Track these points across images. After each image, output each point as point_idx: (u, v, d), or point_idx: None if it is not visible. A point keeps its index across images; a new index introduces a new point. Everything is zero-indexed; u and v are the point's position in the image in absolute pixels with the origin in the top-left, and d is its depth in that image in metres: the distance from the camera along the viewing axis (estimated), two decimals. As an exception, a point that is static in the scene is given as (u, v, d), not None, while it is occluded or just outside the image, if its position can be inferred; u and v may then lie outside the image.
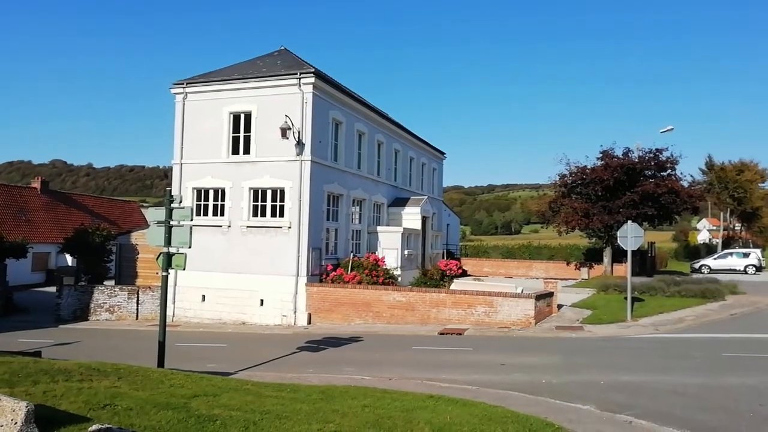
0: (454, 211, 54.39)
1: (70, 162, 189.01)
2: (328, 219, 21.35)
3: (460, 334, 16.49)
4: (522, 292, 18.47)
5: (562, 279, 30.68)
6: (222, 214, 20.86)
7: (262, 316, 19.70)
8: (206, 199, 21.29)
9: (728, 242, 67.87)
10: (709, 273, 37.18)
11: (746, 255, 43.33)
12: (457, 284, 20.37)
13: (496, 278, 31.87)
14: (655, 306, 20.32)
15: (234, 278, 20.01)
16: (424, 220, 27.45)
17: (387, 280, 20.62)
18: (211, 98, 21.30)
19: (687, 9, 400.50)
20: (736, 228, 77.08)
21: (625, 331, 16.25)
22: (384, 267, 21.27)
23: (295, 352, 13.68)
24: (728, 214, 69.29)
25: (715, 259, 43.73)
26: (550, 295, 19.57)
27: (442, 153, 35.69)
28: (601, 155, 31.31)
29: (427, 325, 17.96)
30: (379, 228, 24.55)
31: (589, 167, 31.29)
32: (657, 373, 10.74)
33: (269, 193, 20.32)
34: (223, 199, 20.93)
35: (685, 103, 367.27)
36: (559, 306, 20.29)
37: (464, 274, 30.16)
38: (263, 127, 20.28)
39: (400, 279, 22.15)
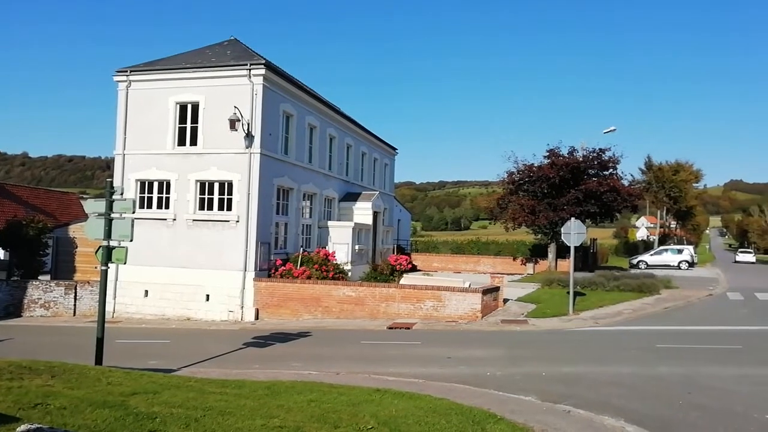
0: (405, 207, 54.74)
1: (3, 150, 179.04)
2: (277, 213, 21.07)
3: (408, 328, 16.63)
4: (469, 286, 18.79)
5: (508, 274, 31.40)
6: (167, 207, 20.25)
7: (208, 311, 19.27)
8: (150, 191, 20.61)
9: (664, 239, 71.24)
10: (646, 268, 38.92)
11: (680, 251, 45.63)
12: (406, 279, 20.52)
13: (445, 273, 32.30)
14: (596, 300, 21.09)
15: (179, 273, 19.47)
16: (375, 215, 27.50)
17: (337, 275, 20.56)
18: (157, 87, 20.61)
19: (636, 7, 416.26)
20: (671, 226, 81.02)
21: (567, 325, 16.79)
22: (334, 262, 21.19)
23: (241, 348, 13.46)
24: (664, 212, 72.75)
25: (651, 255, 45.83)
26: (497, 289, 19.99)
27: (394, 148, 35.83)
28: (547, 154, 32.21)
29: (377, 320, 18.02)
30: (329, 223, 24.43)
31: (536, 165, 32.15)
32: (595, 364, 11.15)
33: (217, 186, 19.87)
34: (168, 192, 20.31)
35: (628, 103, 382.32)
36: (505, 300, 20.76)
37: (414, 269, 30.44)
38: (211, 119, 19.79)
39: (350, 274, 22.12)
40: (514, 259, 37.69)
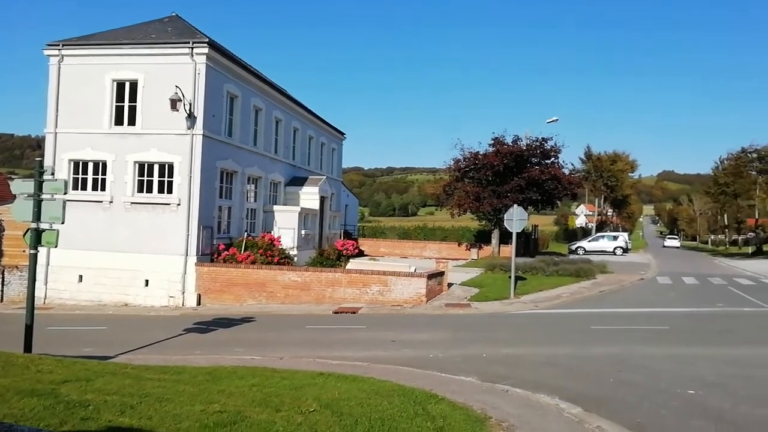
0: (353, 192, 54.64)
1: None
2: (221, 197, 20.57)
3: (354, 312, 16.69)
4: (415, 271, 19.01)
5: (453, 259, 31.97)
6: (103, 189, 19.41)
7: (147, 297, 18.68)
8: (85, 172, 19.68)
9: (601, 226, 74.23)
10: (583, 254, 40.47)
11: (615, 238, 47.71)
12: (353, 264, 20.54)
13: (391, 258, 32.53)
14: (536, 284, 21.80)
15: (116, 257, 18.75)
16: (322, 200, 27.31)
17: (282, 260, 20.33)
18: (92, 63, 19.60)
19: (579, 3, 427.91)
20: (608, 213, 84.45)
21: (508, 308, 17.28)
22: (280, 247, 20.93)
23: (181, 334, 13.13)
24: (602, 200, 75.71)
25: (589, 241, 47.71)
26: (441, 274, 20.32)
27: (342, 133, 35.60)
28: (492, 142, 32.86)
29: (323, 305, 17.98)
30: (275, 207, 24.07)
31: (481, 153, 32.75)
32: (534, 345, 11.54)
33: (156, 168, 19.18)
34: (104, 173, 19.46)
35: (571, 94, 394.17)
36: (450, 284, 21.13)
37: (361, 254, 30.50)
38: (151, 98, 19.02)
39: (296, 259, 21.92)
40: (459, 245, 38.36)
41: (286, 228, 23.18)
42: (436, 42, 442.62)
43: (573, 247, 45.78)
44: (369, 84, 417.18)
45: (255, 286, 18.67)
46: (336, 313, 16.73)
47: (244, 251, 19.61)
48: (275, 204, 24.64)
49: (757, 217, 64.65)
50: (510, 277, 19.75)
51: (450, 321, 15.33)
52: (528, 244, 38.29)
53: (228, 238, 20.69)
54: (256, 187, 23.49)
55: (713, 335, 12.51)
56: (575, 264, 26.24)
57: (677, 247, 74.92)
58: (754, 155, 56.86)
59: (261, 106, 23.41)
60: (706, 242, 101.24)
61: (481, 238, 38.73)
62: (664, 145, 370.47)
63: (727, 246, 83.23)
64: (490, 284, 21.73)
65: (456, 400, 7.00)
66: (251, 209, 22.99)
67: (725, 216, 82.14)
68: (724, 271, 32.00)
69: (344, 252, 23.63)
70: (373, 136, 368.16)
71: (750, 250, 63.42)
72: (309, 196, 26.05)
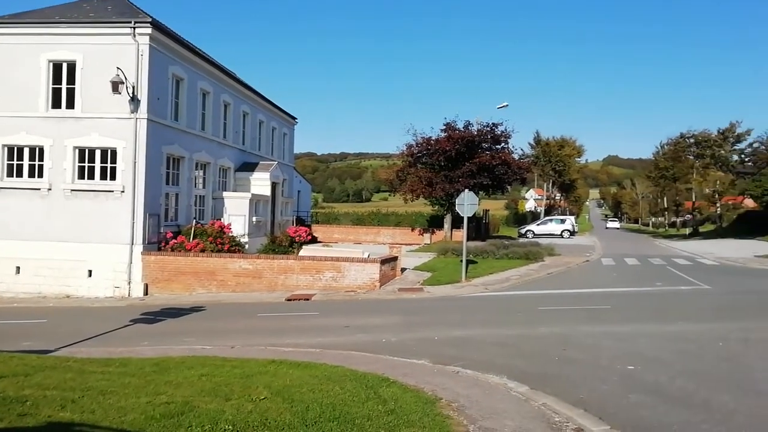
0: (306, 178, 54.12)
1: None
2: (167, 183, 19.96)
3: (307, 299, 16.60)
4: (368, 257, 19.05)
5: (407, 244, 32.22)
6: (40, 176, 18.50)
7: (90, 288, 18.01)
8: (20, 158, 18.71)
9: (550, 210, 76.38)
10: (533, 237, 41.60)
11: (563, 221, 49.21)
12: (306, 250, 20.39)
13: (345, 244, 32.51)
14: (487, 267, 22.24)
15: (56, 247, 17.95)
16: (273, 186, 26.92)
17: (233, 247, 19.98)
18: (25, 43, 18.54)
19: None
20: (556, 197, 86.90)
21: (459, 291, 17.58)
22: (230, 234, 20.55)
23: (128, 325, 12.74)
24: (551, 184, 77.77)
25: (538, 225, 49.04)
26: (395, 259, 20.45)
27: (294, 118, 35.08)
28: (444, 127, 33.10)
29: (275, 292, 17.81)
30: (225, 194, 23.55)
31: (434, 139, 32.96)
32: (484, 327, 11.80)
33: (98, 154, 18.41)
34: (41, 159, 18.54)
35: (520, 81, 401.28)
36: (403, 269, 21.31)
37: (314, 240, 30.32)
38: (91, 80, 18.19)
39: (247, 246, 21.58)
40: (412, 230, 38.66)
41: (236, 215, 22.75)
42: (390, 30, 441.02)
43: (522, 231, 46.94)
44: (322, 69, 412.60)
45: (205, 274, 18.29)
46: (289, 300, 16.60)
47: (193, 239, 19.16)
48: (225, 190, 24.12)
49: (693, 199, 67.86)
50: (461, 261, 20.07)
51: (403, 305, 15.47)
52: (479, 228, 38.95)
53: (176, 226, 20.14)
54: (204, 173, 22.90)
55: (652, 313, 13.10)
56: (524, 247, 26.92)
57: (617, 228, 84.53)
58: (691, 140, 59.52)
59: (209, 89, 22.77)
60: (648, 224, 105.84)
61: (434, 223, 39.13)
62: (610, 131, 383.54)
63: (667, 228, 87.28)
64: (442, 268, 22.03)
65: (407, 382, 7.08)
66: (200, 196, 22.43)
67: (665, 199, 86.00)
68: (663, 252, 33.53)
69: (297, 239, 23.41)
70: (326, 121, 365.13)
71: (687, 231, 66.67)
72: (260, 182, 25.62)
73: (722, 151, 56.99)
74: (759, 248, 32.92)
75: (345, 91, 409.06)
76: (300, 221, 33.06)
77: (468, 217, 19.99)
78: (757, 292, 16.56)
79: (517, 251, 25.68)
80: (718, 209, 63.95)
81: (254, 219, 23.63)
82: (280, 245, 21.86)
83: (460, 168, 31.71)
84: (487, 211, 45.54)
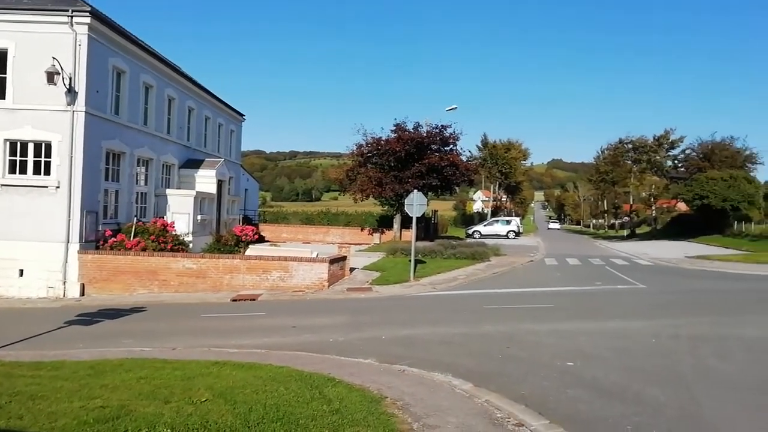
0: (254, 177, 53.24)
1: None
2: (107, 179, 19.18)
3: (254, 299, 16.32)
4: (317, 256, 18.90)
5: (356, 244, 32.22)
6: (-33, 170, 17.41)
7: (22, 288, 17.08)
8: (-56, 150, 17.54)
9: (496, 211, 78.02)
10: (479, 238, 42.40)
11: (508, 222, 50.42)
12: (252, 250, 20.00)
13: (294, 244, 32.18)
14: (435, 267, 22.49)
15: (-16, 245, 16.94)
16: (220, 183, 26.33)
17: (176, 246, 19.38)
18: (-50, 27, 17.40)
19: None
20: (503, 199, 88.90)
21: (407, 291, 17.70)
22: (173, 233, 19.93)
23: (62, 327, 12.15)
24: (497, 186, 79.52)
25: (484, 225, 50.04)
26: (344, 259, 20.39)
27: (241, 115, 34.42)
28: (394, 128, 33.28)
29: (220, 292, 17.42)
30: (168, 191, 22.85)
31: (384, 139, 33.08)
32: (431, 326, 11.92)
33: (32, 147, 17.48)
34: (-32, 152, 17.44)
35: (469, 84, 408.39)
36: (352, 269, 21.28)
37: (261, 239, 29.82)
38: (24, 70, 17.25)
39: (191, 245, 20.98)
40: (362, 230, 38.69)
41: (180, 213, 22.11)
42: (341, 30, 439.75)
43: (470, 231, 47.78)
44: (272, 66, 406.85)
45: (146, 274, 17.68)
46: (234, 300, 16.27)
47: (134, 237, 18.48)
48: (168, 187, 23.41)
49: (631, 202, 70.94)
50: (410, 260, 20.22)
51: (351, 305, 15.44)
52: (428, 228, 39.38)
53: (116, 224, 19.37)
54: (146, 170, 22.13)
55: (591, 311, 13.59)
56: (471, 247, 27.38)
57: (558, 229, 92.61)
58: (630, 146, 62.20)
59: (152, 83, 22.02)
60: (589, 226, 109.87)
61: (383, 223, 39.28)
62: (554, 135, 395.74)
63: (606, 229, 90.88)
64: (391, 268, 22.13)
65: (353, 382, 7.07)
66: (142, 193, 21.66)
67: (605, 202, 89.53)
68: (602, 253, 34.86)
69: (243, 238, 22.91)
70: (275, 119, 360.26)
71: (625, 233, 69.67)
72: (205, 180, 25.00)
73: (657, 157, 59.88)
74: (690, 249, 34.75)
75: (295, 89, 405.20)
76: (247, 220, 32.44)
77: (417, 218, 20.17)
78: (687, 291, 17.46)
79: (465, 251, 26.10)
80: (654, 212, 67.08)
81: (199, 217, 23.04)
82: (226, 244, 21.36)
83: (409, 169, 31.96)
84: (435, 211, 46.11)
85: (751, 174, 52.58)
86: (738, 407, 6.32)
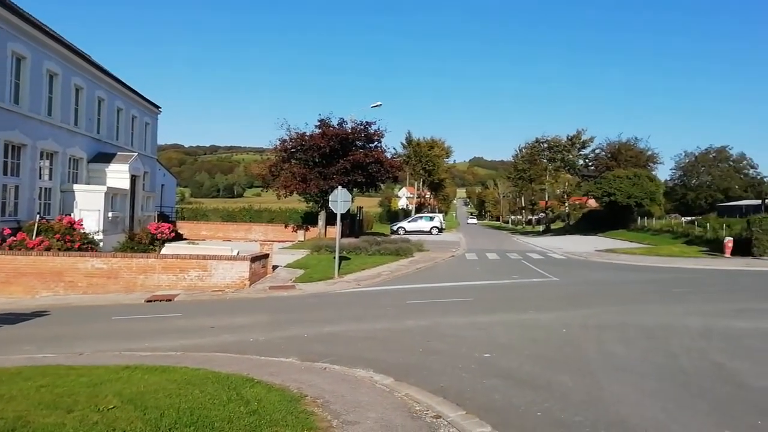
0: (171, 172, 51.09)
1: None
2: (5, 174, 17.78)
3: (170, 300, 15.67)
4: (238, 254, 18.42)
5: (280, 241, 31.73)
6: None
7: None
8: None
9: (420, 208, 79.39)
10: (404, 234, 42.94)
11: (432, 219, 51.42)
12: (169, 248, 19.19)
13: (214, 241, 31.21)
14: (359, 263, 22.57)
15: None
16: (133, 179, 25.06)
17: (85, 245, 18.28)
18: None
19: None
20: (426, 196, 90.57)
21: (331, 287, 17.64)
22: (82, 231, 18.78)
23: (-48, 335, 11.12)
24: (421, 183, 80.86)
25: (409, 222, 50.75)
26: (266, 256, 20.00)
27: (157, 107, 32.91)
28: (319, 124, 33.05)
29: (134, 293, 16.59)
30: (76, 186, 21.48)
31: (308, 134, 32.75)
32: (354, 322, 11.93)
33: None
34: None
35: (392, 81, 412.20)
36: (275, 267, 20.92)
37: (179, 237, 28.69)
38: None
39: (102, 244, 19.87)
40: (286, 227, 38.15)
41: (89, 210, 20.85)
42: (264, 21, 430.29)
43: (395, 228, 48.32)
44: (189, 58, 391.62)
45: (50, 275, 16.52)
46: (149, 301, 15.56)
47: (36, 236, 17.22)
48: (76, 183, 22.00)
49: (547, 199, 74.45)
50: (335, 257, 20.15)
51: (273, 303, 15.18)
52: (353, 225, 39.45)
53: (15, 222, 17.99)
54: (51, 164, 20.70)
55: (508, 304, 14.12)
56: (396, 243, 27.71)
57: (476, 224, 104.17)
58: (545, 145, 65.28)
59: (57, 70, 20.58)
60: (508, 222, 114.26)
61: (308, 220, 38.93)
62: (475, 134, 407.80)
63: (524, 225, 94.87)
64: (315, 265, 21.96)
65: (273, 381, 6.93)
66: (46, 188, 20.25)
67: (522, 198, 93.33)
68: (520, 247, 36.35)
69: (159, 236, 21.98)
70: (194, 112, 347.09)
71: (541, 228, 73.01)
72: (117, 175, 23.73)
73: (570, 156, 63.21)
74: (599, 243, 36.96)
75: (215, 81, 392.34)
76: (163, 217, 31.13)
77: (342, 214, 20.13)
78: (596, 283, 18.55)
79: (389, 247, 26.37)
80: (567, 208, 70.74)
81: (110, 214, 21.83)
82: (140, 243, 20.40)
83: (334, 165, 31.83)
84: (361, 208, 46.25)
85: (653, 173, 56.67)
86: (637, 391, 6.78)
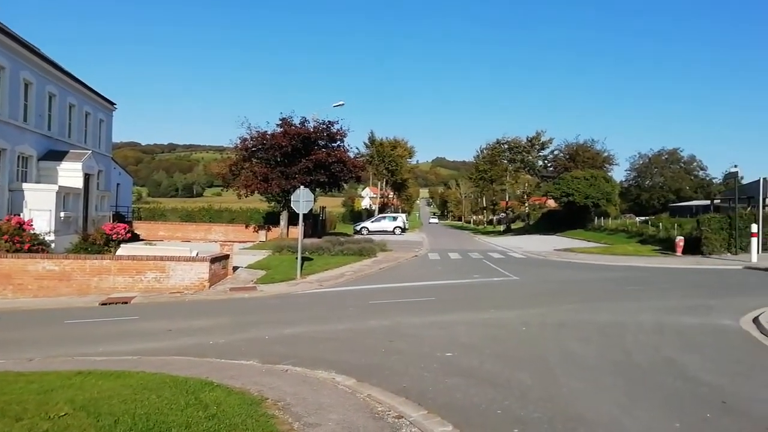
0: (127, 170, 49.69)
1: None
2: (-52, 171, 16.93)
3: (126, 302, 15.24)
4: (197, 255, 18.06)
5: (241, 242, 31.27)
6: None
7: None
8: None
9: (384, 208, 79.60)
10: (367, 234, 42.96)
11: (395, 219, 51.62)
12: (125, 249, 18.64)
13: (172, 242, 30.50)
14: (322, 264, 22.44)
15: None
16: (87, 177, 24.27)
17: (35, 246, 17.58)
18: None
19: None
20: (390, 196, 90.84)
21: (294, 289, 17.48)
22: (32, 231, 18.05)
23: None
24: (384, 183, 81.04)
25: (372, 222, 50.82)
26: (226, 257, 19.68)
27: (112, 103, 31.96)
28: (281, 122, 32.71)
29: (88, 296, 16.07)
30: (25, 185, 20.66)
31: (269, 133, 32.38)
32: (316, 323, 11.85)
33: None
34: None
35: (357, 80, 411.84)
36: (236, 268, 20.60)
37: (136, 238, 27.96)
38: None
39: (53, 245, 19.17)
40: (246, 227, 37.62)
41: (39, 210, 20.09)
42: (221, 21, 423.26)
43: (358, 228, 48.28)
44: (146, 54, 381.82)
45: (-2, 278, 15.84)
46: (104, 304, 15.09)
47: (-17, 237, 16.47)
48: (25, 181, 21.15)
49: (507, 199, 75.64)
50: (297, 258, 19.98)
51: (234, 305, 14.95)
52: (316, 225, 39.21)
53: (-41, 222, 17.15)
54: (-2, 162, 19.85)
55: (470, 302, 14.27)
56: (359, 244, 27.68)
57: (437, 223, 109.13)
58: (506, 146, 66.38)
59: (4, 64, 19.76)
60: (470, 222, 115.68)
61: (270, 220, 38.49)
62: (438, 134, 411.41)
63: (485, 225, 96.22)
64: (277, 266, 21.73)
65: (233, 385, 6.81)
66: (-7, 187, 19.40)
67: (484, 198, 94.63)
68: (481, 247, 36.83)
69: (114, 236, 21.33)
70: (152, 109, 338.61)
71: (501, 228, 74.16)
72: (70, 173, 22.93)
73: (530, 157, 64.46)
74: (558, 243, 37.80)
75: (173, 78, 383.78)
76: (119, 217, 30.25)
77: (304, 214, 19.98)
78: (554, 281, 18.95)
79: (352, 248, 26.32)
80: (527, 208, 72.09)
81: (62, 214, 21.08)
82: (95, 244, 19.75)
83: (296, 164, 31.58)
84: (323, 208, 46.01)
85: (609, 174, 58.33)
86: (593, 387, 6.95)
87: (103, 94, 30.27)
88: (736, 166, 26.86)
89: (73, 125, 26.52)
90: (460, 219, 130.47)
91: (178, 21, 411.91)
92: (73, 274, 16.43)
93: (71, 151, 24.23)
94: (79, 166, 23.23)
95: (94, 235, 21.60)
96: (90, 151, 25.39)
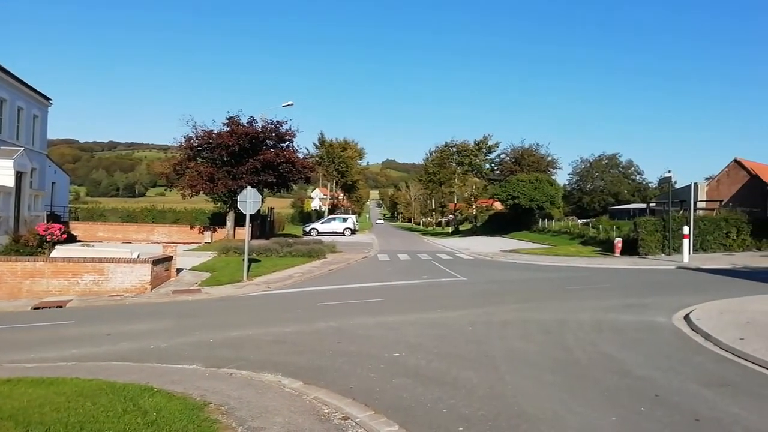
0: (63, 169, 47.46)
1: None
2: None
3: (61, 306, 14.56)
4: (138, 257, 17.44)
5: (185, 243, 30.44)
6: None
7: None
8: None
9: (334, 209, 79.27)
10: (317, 235, 42.67)
11: (345, 220, 51.52)
12: (60, 251, 17.78)
13: (112, 244, 29.38)
14: (270, 266, 22.12)
15: None
16: (19, 176, 23.02)
17: (-39, 248, 16.53)
18: None
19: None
20: (340, 197, 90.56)
21: (240, 291, 17.14)
22: (-43, 232, 16.97)
23: None
24: (334, 184, 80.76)
25: (322, 223, 50.51)
26: (169, 259, 19.11)
27: (47, 98, 30.45)
28: (227, 121, 32.03)
29: (19, 300, 15.25)
30: (-50, 183, 19.40)
31: (215, 132, 31.65)
32: (263, 326, 11.65)
33: None
34: None
35: (306, 81, 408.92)
36: (179, 270, 20.04)
37: (72, 239, 26.74)
38: None
39: (-19, 246, 18.07)
40: (191, 228, 36.66)
41: (-34, 209, 18.90)
42: (163, 21, 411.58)
43: (307, 229, 47.87)
44: (85, 48, 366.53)
45: None
46: (37, 308, 14.37)
47: None
48: (-49, 179, 19.87)
49: (456, 201, 76.80)
50: (244, 259, 19.61)
51: (177, 308, 14.52)
52: (264, 226, 38.61)
53: None
54: None
55: (418, 303, 14.39)
56: (308, 245, 27.45)
57: (382, 223, 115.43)
58: (454, 149, 67.43)
59: (-73, 54, 18.47)
60: (419, 223, 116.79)
61: (216, 221, 37.65)
62: (388, 136, 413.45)
63: (434, 226, 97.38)
64: (222, 268, 21.28)
65: (174, 390, 6.61)
66: None
67: (433, 200, 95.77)
68: (430, 248, 37.22)
69: (49, 237, 20.26)
70: (91, 105, 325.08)
71: (450, 230, 75.28)
72: (1, 171, 21.68)
73: (477, 160, 65.73)
74: (504, 244, 38.66)
75: (114, 72, 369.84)
76: (54, 218, 28.84)
77: (252, 215, 19.62)
78: (500, 282, 19.37)
79: (301, 249, 26.07)
80: (475, 211, 73.43)
81: (-8, 214, 19.90)
82: (27, 245, 18.74)
83: (243, 164, 31.02)
84: (272, 209, 45.38)
85: (553, 177, 60.16)
86: (536, 383, 7.14)
87: (37, 89, 28.80)
88: (669, 171, 28.23)
89: (5, 121, 25.09)
90: (410, 221, 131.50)
91: (122, 13, 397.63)
92: (2, 276, 15.55)
93: (2, 147, 22.91)
94: (10, 163, 22.00)
95: (26, 236, 20.48)
96: (23, 148, 24.09)
